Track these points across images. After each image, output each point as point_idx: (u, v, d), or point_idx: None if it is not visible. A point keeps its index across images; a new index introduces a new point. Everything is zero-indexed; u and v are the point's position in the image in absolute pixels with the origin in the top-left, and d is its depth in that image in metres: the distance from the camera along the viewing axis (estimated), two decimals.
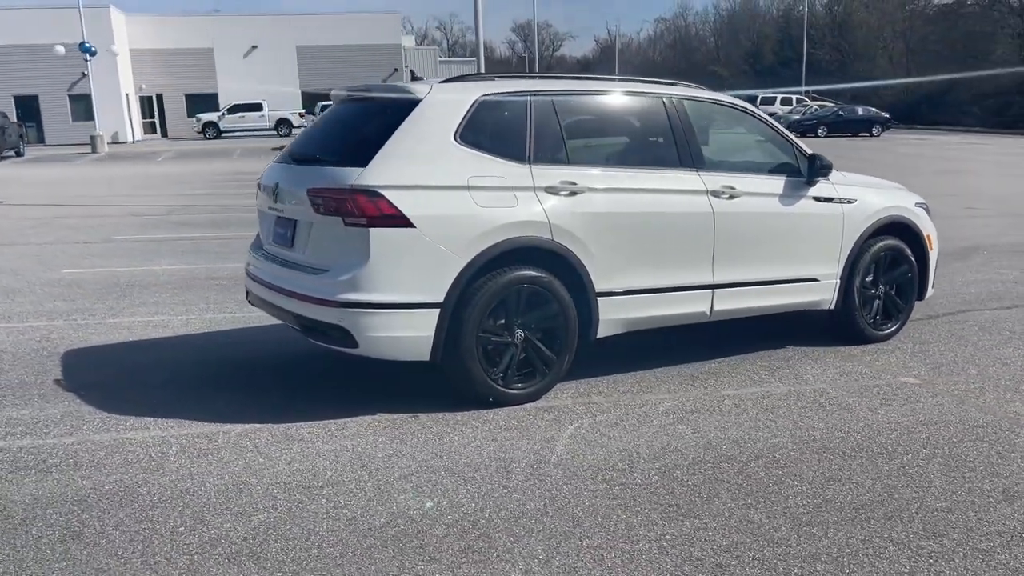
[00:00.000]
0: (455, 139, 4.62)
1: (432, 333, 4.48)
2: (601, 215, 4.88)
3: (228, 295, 7.62)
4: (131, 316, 6.97)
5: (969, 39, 58.18)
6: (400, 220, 4.37)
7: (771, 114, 28.50)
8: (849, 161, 24.09)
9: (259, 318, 6.32)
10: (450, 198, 4.52)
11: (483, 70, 16.31)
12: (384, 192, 4.37)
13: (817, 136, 39.15)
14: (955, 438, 4.27)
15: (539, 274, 4.70)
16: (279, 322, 5.13)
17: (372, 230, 4.35)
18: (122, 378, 5.33)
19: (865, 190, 6.04)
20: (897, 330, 6.22)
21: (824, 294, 5.86)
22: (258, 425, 4.46)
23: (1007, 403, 4.79)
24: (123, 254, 10.13)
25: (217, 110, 47.56)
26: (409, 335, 4.47)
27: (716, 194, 5.31)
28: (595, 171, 4.97)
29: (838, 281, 5.88)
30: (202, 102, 49.19)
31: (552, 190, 4.75)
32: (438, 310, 4.47)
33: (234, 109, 46.85)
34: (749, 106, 5.84)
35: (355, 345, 4.44)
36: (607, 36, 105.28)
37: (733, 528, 3.35)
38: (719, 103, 5.70)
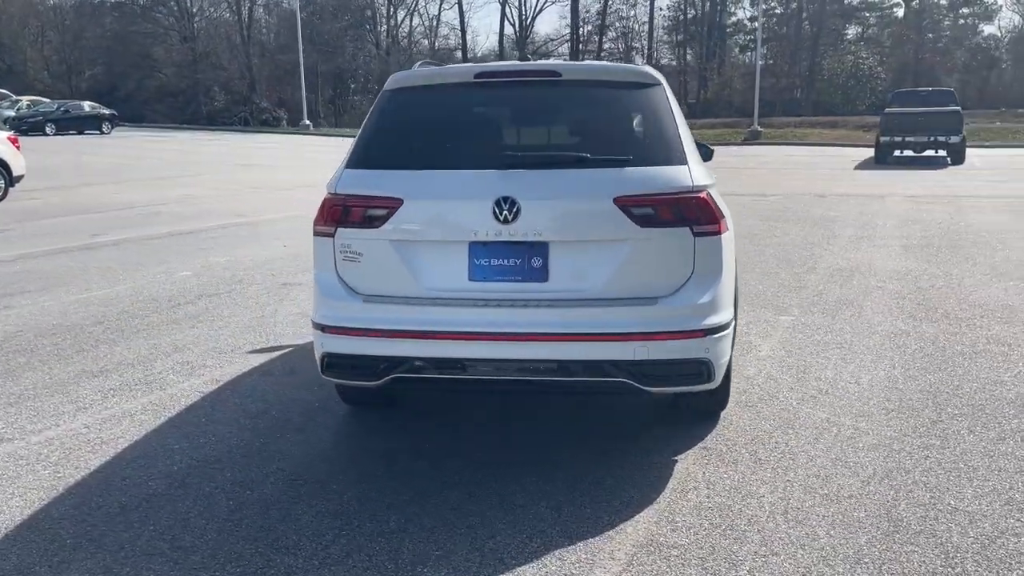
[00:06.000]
0: None
1: (730, 352, 3.93)
2: None
3: None
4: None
5: (132, 38, 59.23)
6: (725, 224, 3.72)
7: None
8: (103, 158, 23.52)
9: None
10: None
11: None
12: (712, 193, 3.68)
13: (46, 134, 35.59)
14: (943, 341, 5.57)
15: None
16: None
17: (724, 236, 3.61)
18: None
19: None
20: None
21: None
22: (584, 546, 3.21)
23: (882, 316, 6.30)
24: None
25: None
26: (728, 357, 3.84)
27: None
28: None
29: None
30: None
31: None
32: (733, 323, 3.94)
33: None
34: None
35: (710, 379, 3.59)
36: None
37: None
38: None
